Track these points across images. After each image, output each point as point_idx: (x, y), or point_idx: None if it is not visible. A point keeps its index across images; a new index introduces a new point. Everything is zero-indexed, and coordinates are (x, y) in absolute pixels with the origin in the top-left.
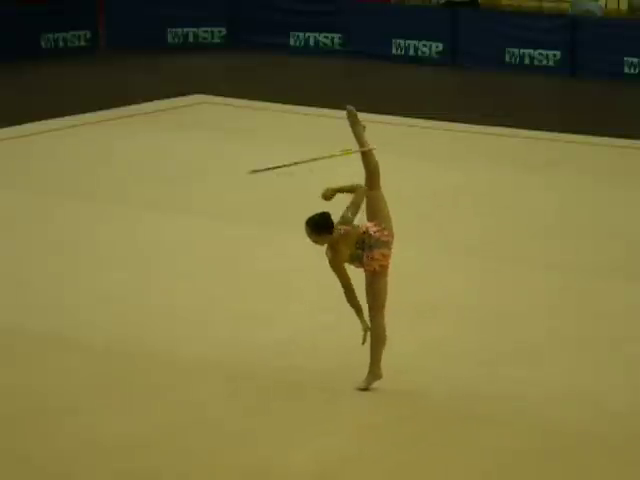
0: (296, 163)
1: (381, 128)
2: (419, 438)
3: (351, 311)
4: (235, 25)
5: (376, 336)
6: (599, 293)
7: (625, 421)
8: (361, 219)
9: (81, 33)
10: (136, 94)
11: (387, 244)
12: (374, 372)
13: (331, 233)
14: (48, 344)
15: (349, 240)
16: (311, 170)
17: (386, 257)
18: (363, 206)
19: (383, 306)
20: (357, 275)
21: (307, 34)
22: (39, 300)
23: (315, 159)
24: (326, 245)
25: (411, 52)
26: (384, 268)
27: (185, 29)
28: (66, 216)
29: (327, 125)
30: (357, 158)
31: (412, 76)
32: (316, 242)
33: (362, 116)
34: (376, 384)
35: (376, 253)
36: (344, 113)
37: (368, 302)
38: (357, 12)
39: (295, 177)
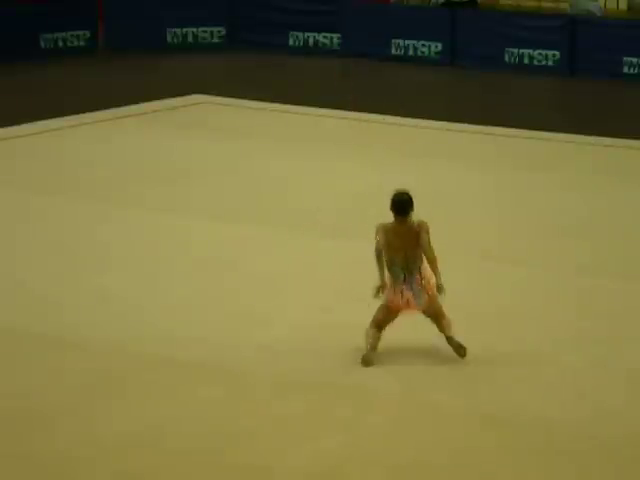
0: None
1: (381, 128)
2: (419, 438)
3: (348, 310)
4: (234, 25)
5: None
6: (599, 293)
7: (625, 421)
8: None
9: (80, 33)
10: (136, 94)
11: None
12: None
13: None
14: (48, 344)
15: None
16: None
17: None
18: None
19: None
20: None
21: (306, 34)
22: (39, 300)
23: None
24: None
25: (410, 52)
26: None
27: (185, 29)
28: (66, 216)
29: (326, 125)
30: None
31: (412, 76)
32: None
33: (362, 116)
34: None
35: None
36: (344, 113)
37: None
38: (357, 12)
39: (293, 179)
